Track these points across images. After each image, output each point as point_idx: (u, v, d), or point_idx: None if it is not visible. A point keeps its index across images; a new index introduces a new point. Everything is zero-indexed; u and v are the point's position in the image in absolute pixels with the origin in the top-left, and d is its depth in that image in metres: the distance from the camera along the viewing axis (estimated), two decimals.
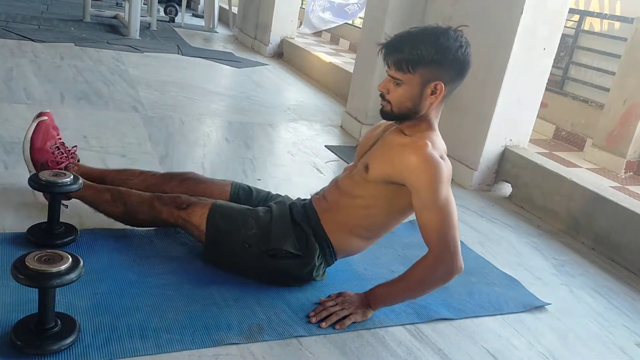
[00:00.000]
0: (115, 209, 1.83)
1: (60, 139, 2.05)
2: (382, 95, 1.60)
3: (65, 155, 2.01)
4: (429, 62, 1.50)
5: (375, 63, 3.39)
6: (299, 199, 1.88)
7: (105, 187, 1.89)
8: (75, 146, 2.09)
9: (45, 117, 2.01)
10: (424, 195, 1.53)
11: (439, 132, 1.64)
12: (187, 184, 1.92)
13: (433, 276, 1.55)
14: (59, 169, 1.92)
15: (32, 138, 1.97)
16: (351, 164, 1.83)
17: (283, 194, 1.94)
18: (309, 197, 1.86)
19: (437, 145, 1.58)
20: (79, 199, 1.89)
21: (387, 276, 1.85)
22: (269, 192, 1.97)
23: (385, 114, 1.62)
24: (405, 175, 1.55)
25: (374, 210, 1.67)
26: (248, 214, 1.74)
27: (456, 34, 1.53)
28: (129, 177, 1.99)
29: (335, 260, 1.77)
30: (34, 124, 1.98)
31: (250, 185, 2.00)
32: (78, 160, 2.07)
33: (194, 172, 2.03)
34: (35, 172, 1.92)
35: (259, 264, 1.70)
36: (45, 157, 1.97)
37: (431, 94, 1.54)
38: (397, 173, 1.57)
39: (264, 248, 1.68)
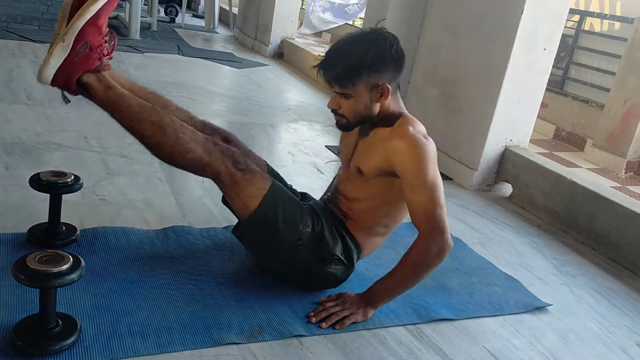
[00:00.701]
0: (161, 139, 1.53)
1: None
2: (334, 111, 1.62)
3: (110, 48, 1.58)
4: (368, 71, 1.53)
5: None
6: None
7: (152, 106, 1.57)
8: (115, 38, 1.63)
9: None
10: (411, 177, 1.55)
11: (411, 116, 1.66)
12: (229, 145, 1.69)
13: (426, 257, 1.55)
14: (98, 62, 1.54)
15: (101, 9, 1.50)
16: (341, 168, 1.84)
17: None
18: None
19: (417, 127, 1.60)
20: (109, 105, 1.55)
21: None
22: (291, 185, 1.92)
23: (343, 127, 1.66)
24: (392, 161, 1.57)
25: (384, 207, 1.71)
26: (304, 208, 1.68)
27: (382, 35, 1.56)
28: (167, 105, 1.72)
29: (359, 258, 1.80)
30: None
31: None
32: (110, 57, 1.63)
33: (234, 135, 1.82)
34: (69, 49, 1.49)
35: (302, 264, 1.65)
36: (96, 40, 1.52)
37: (380, 97, 1.58)
38: (385, 162, 1.59)
39: (314, 248, 1.65)
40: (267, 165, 1.87)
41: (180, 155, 1.55)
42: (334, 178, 1.93)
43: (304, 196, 1.89)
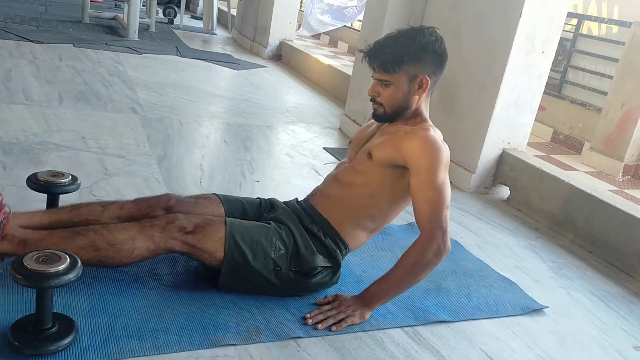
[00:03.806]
0: (98, 254, 1.46)
1: None
2: (373, 99, 1.69)
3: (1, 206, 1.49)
4: (411, 59, 1.60)
5: None
6: (295, 199, 1.88)
7: (72, 230, 1.49)
8: (0, 194, 1.52)
9: None
10: (423, 176, 1.59)
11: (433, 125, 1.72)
12: (174, 211, 1.67)
13: (426, 256, 1.56)
14: None
15: None
16: (344, 159, 1.85)
17: (267, 197, 1.89)
18: (299, 198, 1.87)
19: (438, 132, 1.69)
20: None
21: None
22: (259, 200, 1.87)
23: (379, 117, 1.71)
24: (408, 156, 1.61)
25: (378, 198, 1.70)
26: (269, 232, 1.65)
27: (430, 30, 1.64)
28: (90, 215, 1.61)
29: (347, 253, 1.79)
30: None
31: (234, 195, 1.88)
32: (9, 212, 1.52)
33: (170, 194, 1.74)
34: None
35: (290, 284, 1.66)
36: None
37: (418, 88, 1.64)
38: (400, 155, 1.63)
39: (294, 268, 1.65)
40: (221, 198, 1.79)
41: (128, 258, 1.49)
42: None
43: (272, 204, 1.84)
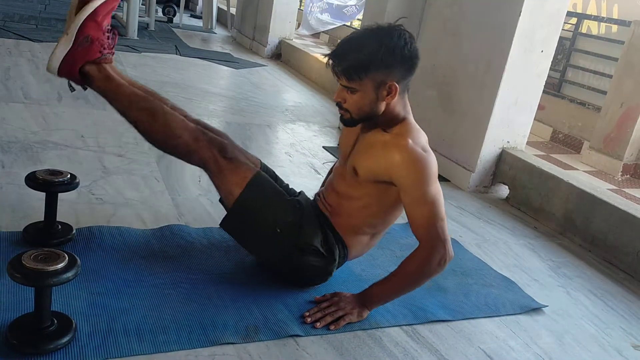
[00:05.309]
0: (152, 124, 1.66)
1: None
2: (339, 105, 1.61)
3: (111, 43, 1.73)
4: (377, 66, 1.50)
5: None
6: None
7: (145, 96, 1.70)
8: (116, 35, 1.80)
9: None
10: (411, 192, 1.54)
11: (415, 123, 1.64)
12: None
13: (428, 267, 1.55)
14: (99, 54, 1.68)
15: (98, 7, 1.66)
16: (337, 163, 1.83)
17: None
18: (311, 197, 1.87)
19: (418, 139, 1.58)
20: (107, 93, 1.70)
21: (384, 276, 1.86)
22: (287, 184, 1.94)
23: (346, 122, 1.63)
24: (391, 174, 1.56)
25: (374, 209, 1.69)
26: (286, 198, 1.71)
27: (399, 32, 1.52)
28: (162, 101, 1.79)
29: (346, 261, 1.78)
30: None
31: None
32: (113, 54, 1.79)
33: (227, 135, 1.85)
34: (72, 41, 1.66)
35: (282, 253, 1.67)
36: (97, 34, 1.67)
37: (387, 95, 1.55)
38: (383, 172, 1.58)
39: (293, 238, 1.66)
40: (262, 163, 1.88)
41: (169, 141, 1.66)
42: (329, 172, 1.92)
43: (299, 193, 1.89)
